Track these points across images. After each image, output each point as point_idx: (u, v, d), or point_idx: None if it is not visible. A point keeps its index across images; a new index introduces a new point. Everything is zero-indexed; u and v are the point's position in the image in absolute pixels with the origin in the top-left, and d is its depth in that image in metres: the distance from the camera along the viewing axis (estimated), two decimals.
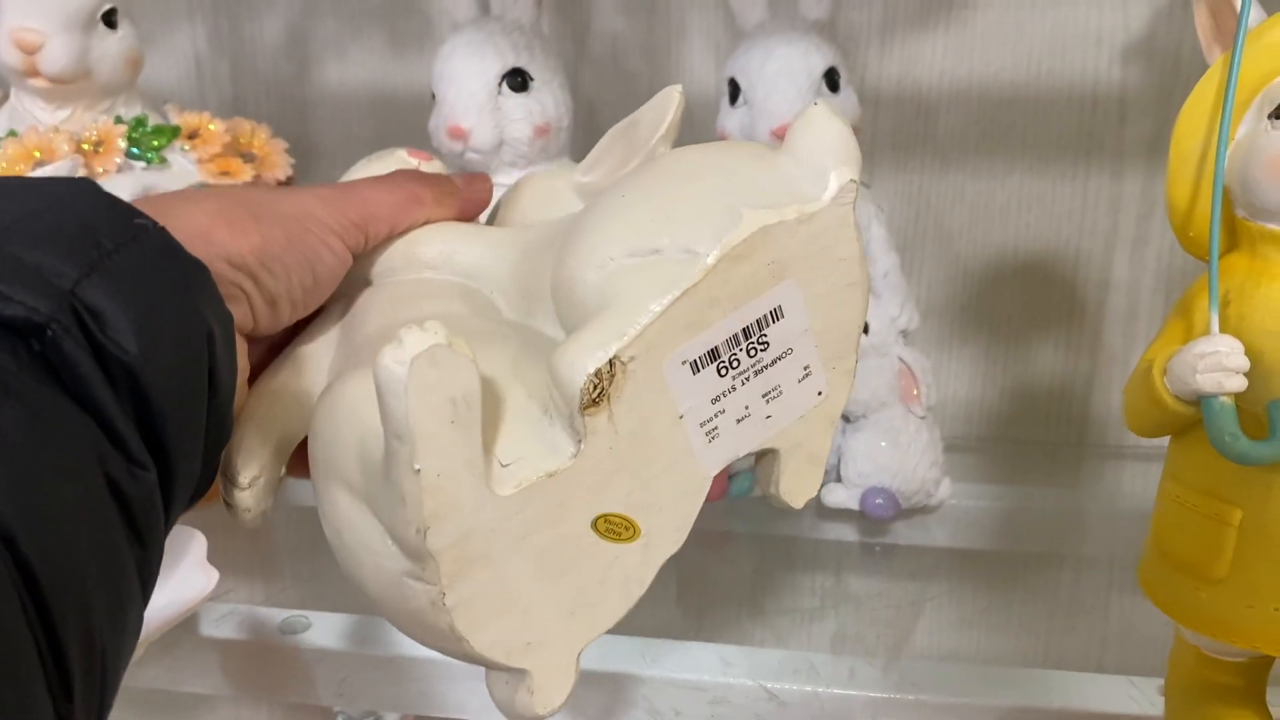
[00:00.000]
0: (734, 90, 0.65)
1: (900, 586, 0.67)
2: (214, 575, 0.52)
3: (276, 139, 0.68)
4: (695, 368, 0.28)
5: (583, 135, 0.82)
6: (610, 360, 0.26)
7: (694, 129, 0.80)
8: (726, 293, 0.28)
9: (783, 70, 0.63)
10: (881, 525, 0.69)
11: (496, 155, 0.65)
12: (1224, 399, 0.37)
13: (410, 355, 0.24)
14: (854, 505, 0.67)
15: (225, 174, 0.63)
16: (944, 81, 0.77)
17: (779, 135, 0.63)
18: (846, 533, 0.70)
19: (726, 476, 0.67)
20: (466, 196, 0.38)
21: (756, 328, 0.29)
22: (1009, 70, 0.76)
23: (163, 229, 0.28)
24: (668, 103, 0.34)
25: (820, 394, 0.31)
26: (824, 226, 0.29)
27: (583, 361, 0.26)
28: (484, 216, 0.39)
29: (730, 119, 0.66)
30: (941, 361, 0.82)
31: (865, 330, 0.66)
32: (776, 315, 0.29)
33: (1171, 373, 0.38)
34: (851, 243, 0.30)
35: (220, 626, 0.56)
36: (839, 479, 0.68)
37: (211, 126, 0.65)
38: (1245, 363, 0.37)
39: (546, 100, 0.65)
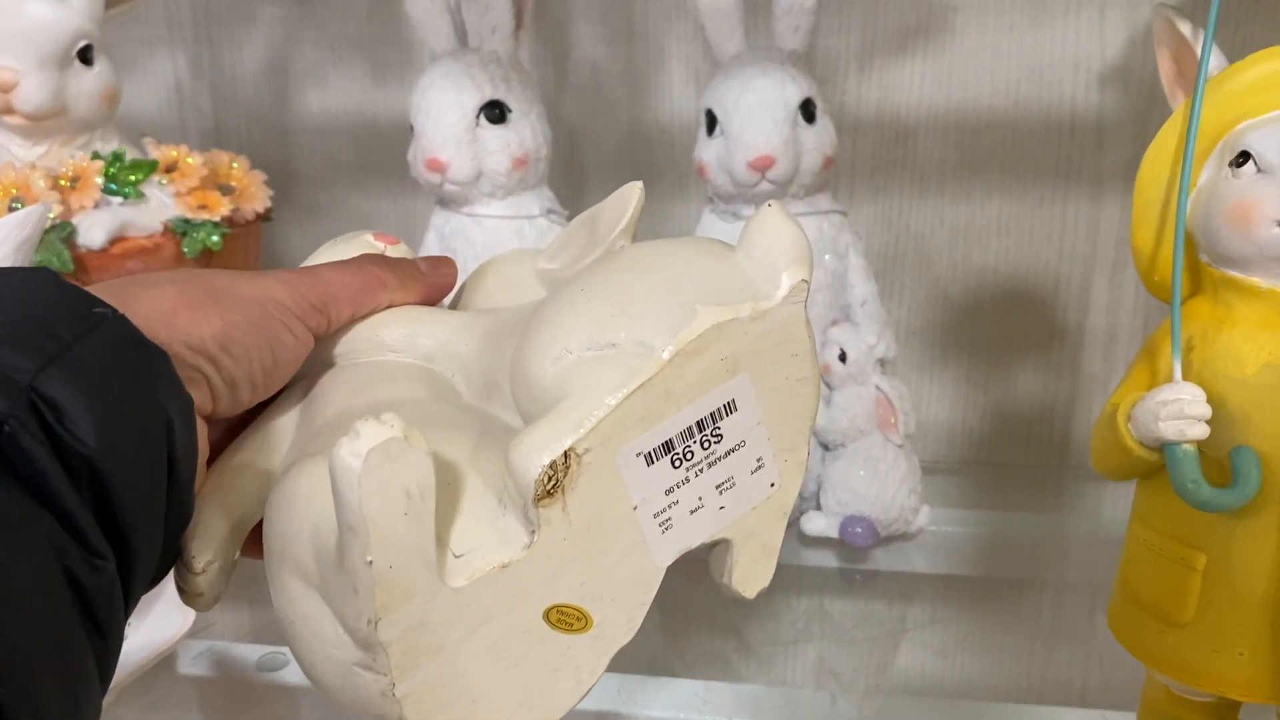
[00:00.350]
0: (711, 121, 0.65)
1: (880, 613, 0.67)
2: (190, 614, 0.52)
3: (255, 171, 0.68)
4: (649, 460, 0.28)
5: (564, 163, 0.83)
6: (565, 452, 0.27)
7: (674, 158, 0.81)
8: (681, 386, 0.28)
9: (758, 102, 0.63)
10: (861, 553, 0.69)
11: (475, 186, 0.65)
12: (1187, 446, 0.37)
13: (366, 448, 0.24)
14: (833, 533, 0.67)
15: (203, 207, 0.64)
16: (922, 107, 0.78)
17: (755, 167, 0.63)
18: (827, 560, 0.70)
19: None
20: (431, 281, 0.38)
21: (710, 421, 0.29)
22: (987, 96, 0.77)
23: (123, 317, 0.28)
24: (629, 198, 0.34)
25: (773, 485, 0.31)
26: (777, 324, 0.30)
27: (538, 454, 0.27)
28: (448, 299, 0.39)
29: (707, 150, 0.66)
30: (923, 385, 0.83)
31: (843, 359, 0.66)
32: (730, 409, 0.29)
33: (1135, 419, 0.38)
34: (803, 339, 0.31)
35: (197, 664, 0.56)
36: (818, 507, 0.68)
37: (189, 160, 0.65)
38: (1207, 410, 0.37)
39: (525, 132, 0.65)
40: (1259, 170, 0.37)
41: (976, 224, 0.79)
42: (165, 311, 0.30)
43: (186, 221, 0.63)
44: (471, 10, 0.67)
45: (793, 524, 0.69)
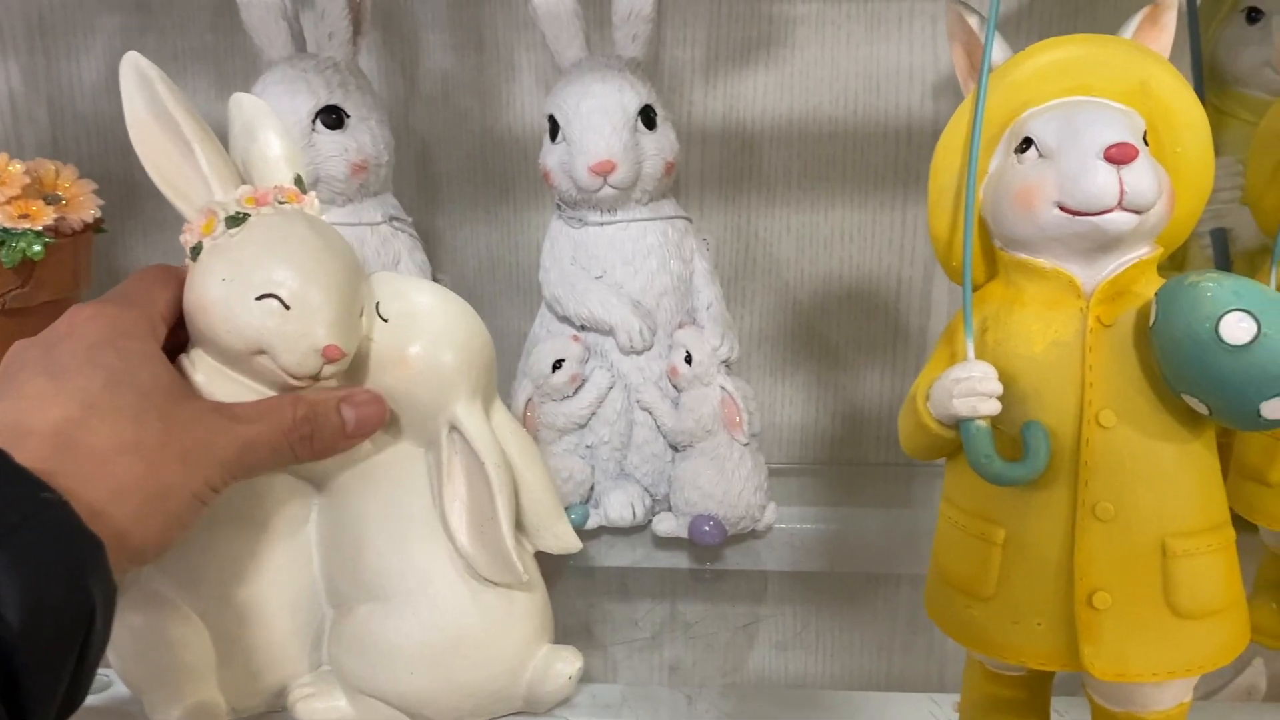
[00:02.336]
0: (554, 127, 0.66)
1: (733, 611, 0.68)
2: None
3: (84, 180, 0.66)
4: None
5: (416, 173, 0.82)
6: None
7: (527, 166, 0.81)
8: None
9: (598, 107, 0.64)
10: (712, 551, 0.69)
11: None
12: (980, 423, 0.38)
13: None
14: (683, 533, 0.68)
15: (25, 216, 0.61)
16: (766, 118, 0.80)
17: (597, 171, 0.64)
18: (679, 560, 0.70)
19: None
20: (349, 434, 0.44)
21: None
22: (828, 106, 0.79)
23: (66, 503, 0.30)
24: None
25: None
26: None
27: None
28: None
29: (551, 155, 0.66)
30: (774, 388, 0.84)
31: (689, 361, 0.67)
32: None
33: (933, 398, 0.40)
34: None
35: None
36: (669, 508, 0.69)
37: (10, 168, 0.62)
38: (998, 387, 0.38)
39: (364, 137, 0.65)
40: (1040, 155, 0.39)
41: (821, 231, 0.81)
42: (108, 498, 0.34)
43: (6, 231, 0.60)
44: (308, 17, 0.66)
45: (645, 526, 0.70)
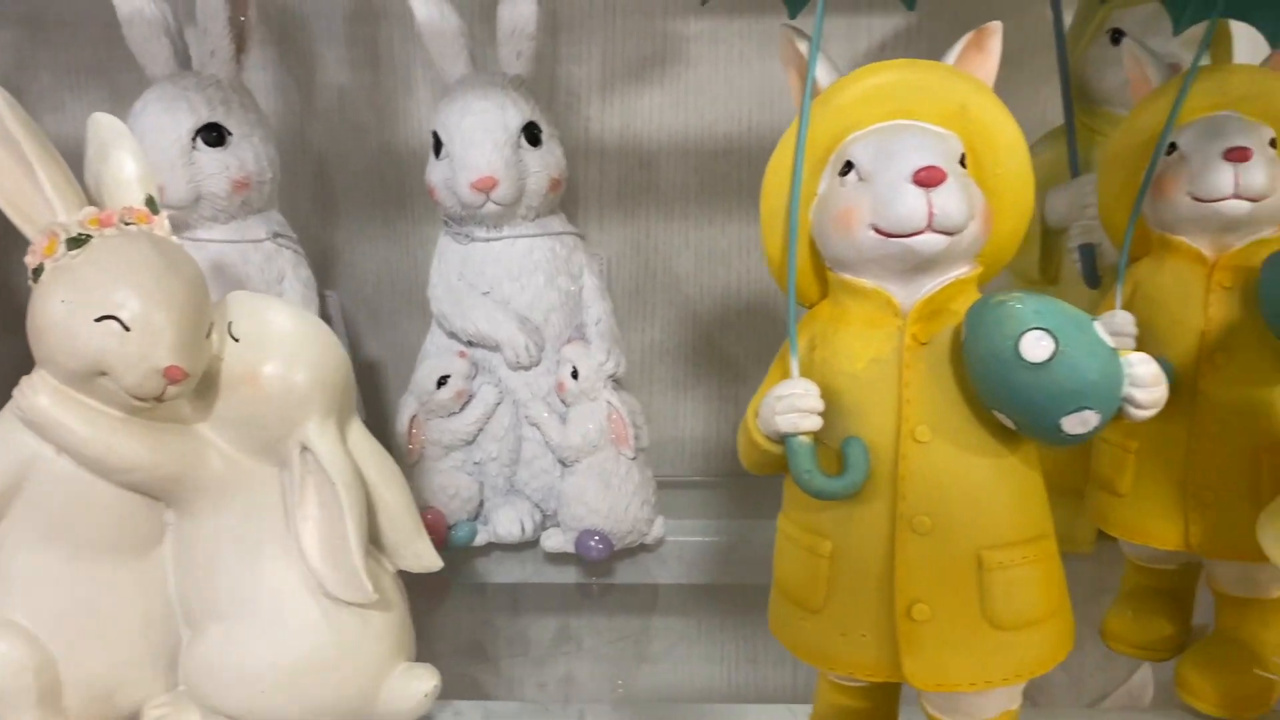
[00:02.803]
0: (437, 144, 0.66)
1: (619, 625, 0.69)
2: None
3: None
4: None
5: (313, 187, 0.82)
6: None
7: (424, 181, 0.81)
8: None
9: (479, 124, 0.64)
10: (602, 566, 0.70)
11: (195, 210, 0.64)
12: (802, 438, 0.39)
13: None
14: (571, 548, 0.68)
15: None
16: (663, 134, 0.80)
17: (478, 188, 0.64)
18: (568, 575, 0.71)
19: (445, 527, 0.68)
20: None
21: None
22: (722, 123, 0.80)
23: None
24: None
25: None
26: None
27: None
28: None
29: (435, 172, 0.67)
30: (676, 402, 0.85)
31: (575, 376, 0.67)
32: None
33: (760, 414, 0.40)
34: None
35: None
36: (559, 523, 0.69)
37: None
38: (819, 404, 0.39)
39: (246, 154, 0.65)
40: (860, 179, 0.39)
41: (720, 245, 0.82)
42: None
43: None
44: (193, 34, 0.66)
45: (535, 541, 0.70)
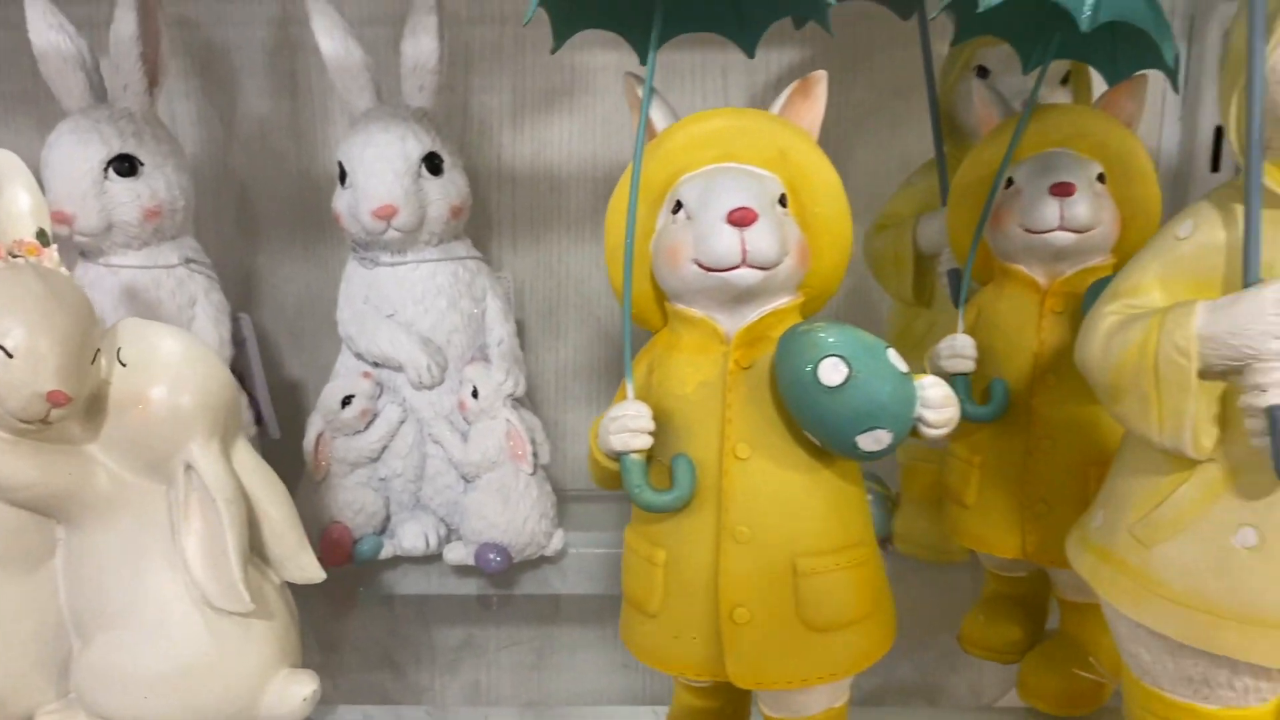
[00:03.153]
0: (342, 173, 0.69)
1: (521, 633, 0.72)
2: None
3: None
4: None
5: (234, 212, 0.85)
6: None
7: None
8: None
9: (380, 155, 0.67)
10: (503, 578, 0.73)
11: (107, 238, 0.66)
12: (634, 456, 0.42)
13: None
14: (472, 561, 0.71)
15: None
16: (572, 161, 0.84)
17: (379, 215, 0.67)
18: (472, 587, 0.73)
19: (351, 541, 0.70)
20: None
21: None
22: (627, 150, 0.82)
23: None
24: None
25: None
26: None
27: None
28: None
29: (340, 200, 0.70)
30: (588, 418, 0.87)
31: (475, 395, 0.70)
32: None
33: (599, 434, 0.43)
34: None
35: None
36: (460, 537, 0.72)
37: None
38: (649, 424, 0.42)
39: (158, 184, 0.67)
40: (687, 217, 0.43)
41: None
42: None
43: None
44: (105, 68, 0.69)
45: (439, 555, 0.73)
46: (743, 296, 0.42)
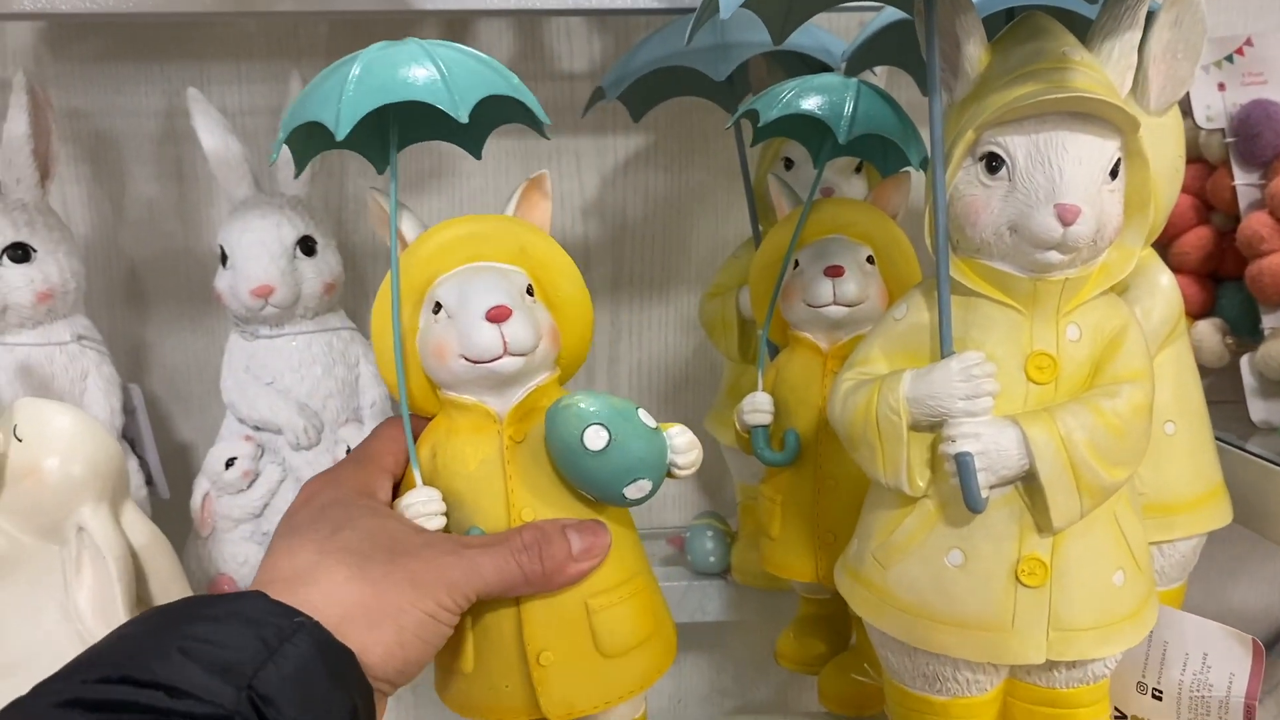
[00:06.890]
0: (223, 255, 0.76)
1: None
2: None
3: None
4: None
5: (124, 288, 0.91)
6: None
7: None
8: None
9: (257, 240, 0.74)
10: None
11: (3, 319, 0.72)
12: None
13: None
14: None
15: None
16: None
17: (257, 294, 0.74)
18: None
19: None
20: (575, 557, 0.48)
21: None
22: None
23: (317, 624, 0.38)
24: None
25: None
26: None
27: None
28: None
29: (222, 280, 0.77)
30: None
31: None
32: None
33: None
34: None
35: None
36: None
37: None
38: (440, 506, 0.49)
39: (50, 269, 0.73)
40: (448, 316, 0.48)
41: None
42: (343, 617, 0.40)
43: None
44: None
45: None
46: (508, 381, 0.49)
